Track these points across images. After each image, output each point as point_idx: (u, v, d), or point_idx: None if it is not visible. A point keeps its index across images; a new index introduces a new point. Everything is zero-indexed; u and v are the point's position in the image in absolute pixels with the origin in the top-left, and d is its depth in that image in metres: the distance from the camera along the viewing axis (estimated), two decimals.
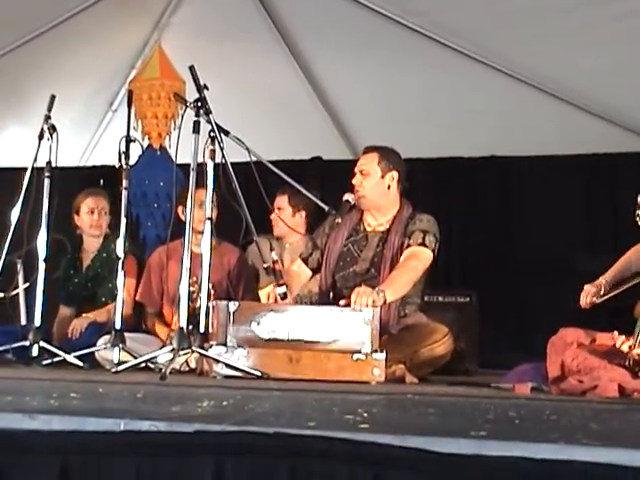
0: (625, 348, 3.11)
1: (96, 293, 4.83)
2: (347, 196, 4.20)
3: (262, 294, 4.32)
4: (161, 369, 3.56)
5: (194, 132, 3.79)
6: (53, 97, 4.32)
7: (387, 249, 4.08)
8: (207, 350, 3.59)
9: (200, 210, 3.94)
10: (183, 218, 4.13)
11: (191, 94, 4.17)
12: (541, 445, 1.58)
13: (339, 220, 4.19)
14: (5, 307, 4.65)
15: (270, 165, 4.14)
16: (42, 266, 4.23)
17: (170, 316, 4.52)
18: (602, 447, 1.57)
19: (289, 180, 4.27)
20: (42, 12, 5.67)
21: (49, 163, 4.27)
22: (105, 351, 4.14)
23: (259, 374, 3.53)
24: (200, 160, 3.77)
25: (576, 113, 5.90)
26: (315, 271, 4.30)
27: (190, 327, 3.62)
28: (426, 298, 4.48)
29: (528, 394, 3.21)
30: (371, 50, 5.94)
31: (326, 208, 4.20)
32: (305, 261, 4.31)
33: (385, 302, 3.77)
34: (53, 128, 4.27)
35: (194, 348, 3.57)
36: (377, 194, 4.17)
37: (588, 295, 3.70)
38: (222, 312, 3.63)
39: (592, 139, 5.94)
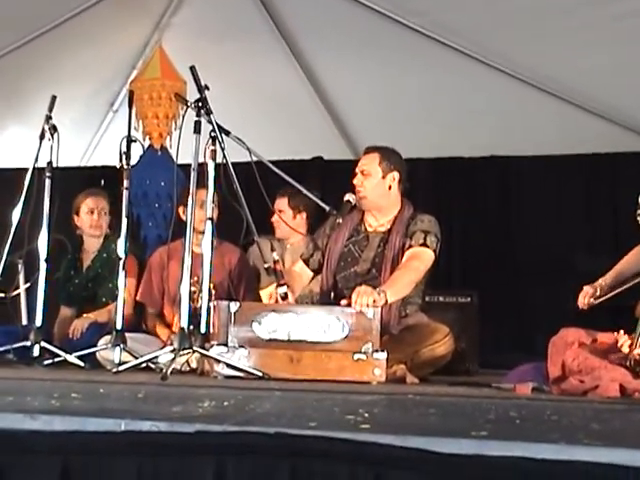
0: (626, 348, 3.11)
1: (96, 293, 4.83)
2: (348, 196, 4.19)
3: (263, 294, 4.33)
4: (162, 369, 3.56)
5: (195, 132, 3.79)
6: (54, 97, 4.32)
7: (388, 249, 4.07)
8: (208, 350, 3.59)
9: (201, 210, 3.93)
10: (184, 218, 4.13)
11: (192, 94, 4.18)
12: (542, 445, 1.58)
13: (340, 220, 4.18)
14: (6, 307, 4.65)
15: (271, 165, 4.14)
16: (43, 266, 4.23)
17: (171, 316, 4.52)
18: (603, 447, 1.57)
19: (290, 180, 4.27)
20: (43, 12, 5.67)
21: (50, 163, 4.27)
22: (106, 351, 4.14)
23: (260, 374, 3.53)
24: (201, 160, 3.77)
25: (576, 113, 5.90)
26: (316, 272, 4.29)
27: (191, 327, 3.62)
28: (427, 298, 4.47)
29: (529, 394, 3.21)
30: (371, 50, 5.94)
31: (327, 208, 4.20)
32: (306, 262, 4.30)
33: (386, 302, 3.77)
34: (54, 128, 4.27)
35: (195, 348, 3.57)
36: (378, 194, 4.16)
37: (586, 296, 3.70)
38: (223, 312, 3.63)
39: (592, 139, 5.94)
